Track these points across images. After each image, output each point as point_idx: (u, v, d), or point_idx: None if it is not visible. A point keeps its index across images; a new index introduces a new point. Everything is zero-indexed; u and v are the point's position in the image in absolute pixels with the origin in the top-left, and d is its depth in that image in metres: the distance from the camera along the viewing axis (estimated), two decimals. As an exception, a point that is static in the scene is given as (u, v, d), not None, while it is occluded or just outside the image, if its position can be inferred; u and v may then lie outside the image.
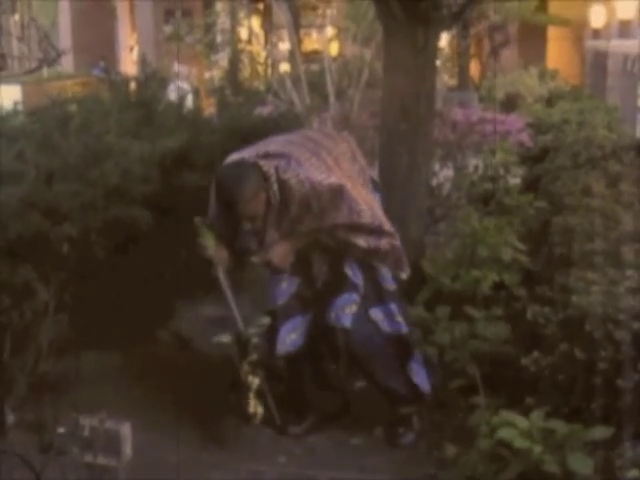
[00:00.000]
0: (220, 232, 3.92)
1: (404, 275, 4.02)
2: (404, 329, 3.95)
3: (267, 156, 3.79)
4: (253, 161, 3.77)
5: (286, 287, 3.95)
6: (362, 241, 3.84)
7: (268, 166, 3.74)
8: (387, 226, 3.91)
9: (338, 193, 3.76)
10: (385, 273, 3.99)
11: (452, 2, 5.21)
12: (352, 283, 3.90)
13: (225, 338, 3.84)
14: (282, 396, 4.04)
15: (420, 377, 3.96)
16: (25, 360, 3.75)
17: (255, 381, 3.79)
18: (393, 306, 3.96)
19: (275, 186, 3.73)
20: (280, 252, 3.90)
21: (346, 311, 3.86)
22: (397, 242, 3.94)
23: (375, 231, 3.86)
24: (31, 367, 3.75)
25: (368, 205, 3.87)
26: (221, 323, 4.56)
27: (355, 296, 3.89)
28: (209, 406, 4.07)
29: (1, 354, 3.74)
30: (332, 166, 3.84)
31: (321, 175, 3.74)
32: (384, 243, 3.89)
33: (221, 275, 3.89)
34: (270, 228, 3.84)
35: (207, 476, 3.63)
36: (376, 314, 3.93)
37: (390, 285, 3.99)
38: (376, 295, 3.95)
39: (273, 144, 3.94)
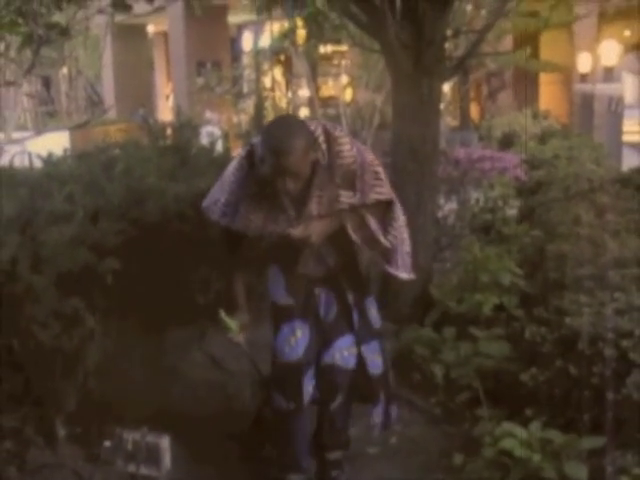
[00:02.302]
0: (232, 230, 3.39)
1: (406, 275, 3.57)
2: (380, 369, 3.53)
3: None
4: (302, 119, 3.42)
5: (301, 339, 3.44)
6: (383, 238, 3.42)
7: (316, 125, 3.28)
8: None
9: (382, 178, 3.39)
10: (374, 311, 3.58)
11: (453, 55, 5.24)
12: (354, 324, 3.50)
13: None
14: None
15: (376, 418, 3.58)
16: (74, 380, 3.75)
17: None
18: (375, 344, 3.54)
19: (324, 146, 3.23)
20: (320, 229, 3.36)
21: (351, 352, 3.46)
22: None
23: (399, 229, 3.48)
24: (79, 386, 3.75)
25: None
26: (249, 345, 4.57)
27: (354, 337, 3.49)
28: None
29: (53, 375, 3.74)
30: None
31: (370, 156, 3.38)
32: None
33: (242, 340, 3.54)
34: (313, 198, 3.28)
35: None
36: (365, 352, 3.51)
37: (376, 323, 3.58)
38: (367, 333, 3.52)
39: None
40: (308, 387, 3.43)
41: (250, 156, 3.30)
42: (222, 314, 3.51)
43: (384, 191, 3.38)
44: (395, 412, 3.61)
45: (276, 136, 3.15)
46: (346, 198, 3.30)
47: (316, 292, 3.47)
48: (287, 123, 3.31)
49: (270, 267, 3.57)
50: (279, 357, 3.45)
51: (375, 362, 3.50)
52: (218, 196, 3.40)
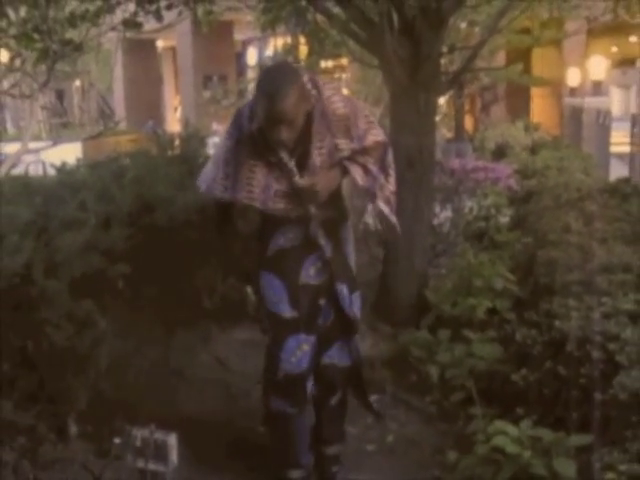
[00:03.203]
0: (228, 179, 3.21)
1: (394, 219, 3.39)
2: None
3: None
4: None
5: (306, 352, 3.31)
6: (386, 181, 3.30)
7: (307, 77, 3.16)
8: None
9: (373, 121, 3.31)
10: (357, 307, 3.44)
11: (449, 70, 5.25)
12: (349, 325, 3.40)
13: None
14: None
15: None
16: (85, 379, 3.75)
17: None
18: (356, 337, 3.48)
19: (314, 92, 3.11)
20: (325, 180, 3.20)
21: (346, 349, 3.42)
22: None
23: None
24: (90, 385, 3.75)
25: None
26: (252, 345, 4.58)
27: (348, 336, 3.42)
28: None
29: (65, 374, 3.75)
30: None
31: (358, 102, 3.30)
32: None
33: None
34: (314, 149, 3.15)
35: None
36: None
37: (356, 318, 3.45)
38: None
39: None
40: (309, 389, 3.39)
41: (237, 120, 3.21)
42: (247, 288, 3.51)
43: (378, 132, 3.30)
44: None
45: (270, 81, 3.04)
46: (346, 145, 3.20)
47: (320, 303, 3.34)
48: (281, 70, 3.23)
49: (265, 276, 3.36)
50: (283, 368, 3.30)
51: (344, 355, 3.44)
52: (214, 173, 3.29)
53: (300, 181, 3.13)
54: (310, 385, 3.39)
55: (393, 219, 3.40)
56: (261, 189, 3.17)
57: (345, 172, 3.27)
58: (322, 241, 3.27)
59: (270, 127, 3.03)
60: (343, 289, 3.33)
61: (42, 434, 3.59)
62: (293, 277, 3.29)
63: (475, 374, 3.98)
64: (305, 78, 3.13)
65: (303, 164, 3.16)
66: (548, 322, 3.80)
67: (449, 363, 4.10)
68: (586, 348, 3.44)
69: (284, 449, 3.47)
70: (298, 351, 3.29)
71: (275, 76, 3.08)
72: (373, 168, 3.29)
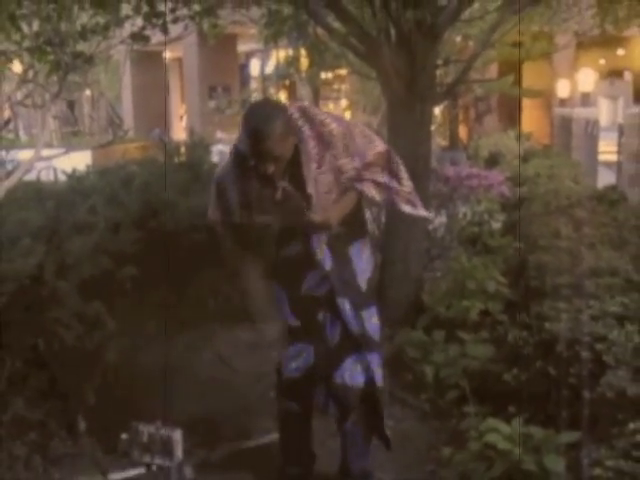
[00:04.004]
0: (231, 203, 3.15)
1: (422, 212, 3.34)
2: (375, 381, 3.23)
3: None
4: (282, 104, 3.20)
5: (304, 360, 3.26)
6: (400, 185, 3.20)
7: (291, 108, 3.11)
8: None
9: (370, 134, 3.22)
10: (373, 322, 3.26)
11: (443, 81, 5.26)
12: (359, 342, 3.21)
13: None
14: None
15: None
16: (94, 377, 3.76)
17: None
18: (374, 356, 3.24)
19: (301, 122, 3.06)
20: (339, 209, 3.12)
21: (358, 370, 3.20)
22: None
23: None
24: (99, 383, 3.75)
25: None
26: (254, 345, 4.58)
27: (360, 354, 3.22)
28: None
29: (75, 372, 3.75)
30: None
31: (349, 120, 3.23)
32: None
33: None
34: (310, 181, 3.06)
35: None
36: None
37: (374, 335, 3.25)
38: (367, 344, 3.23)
39: None
40: (317, 396, 3.31)
41: (233, 153, 3.17)
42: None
43: (377, 143, 3.20)
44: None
45: (253, 120, 2.99)
46: (349, 164, 3.11)
47: (320, 317, 3.21)
48: (264, 107, 3.13)
49: (273, 285, 3.34)
50: (284, 372, 3.32)
51: (380, 374, 3.23)
52: (215, 202, 3.24)
53: (314, 216, 3.04)
54: (322, 397, 3.32)
55: (421, 212, 3.34)
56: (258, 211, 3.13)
57: (360, 193, 3.18)
58: (319, 255, 3.15)
59: (258, 163, 3.01)
60: (345, 304, 3.17)
61: (52, 430, 3.60)
62: (295, 287, 3.22)
63: (468, 373, 3.97)
64: (292, 110, 3.09)
65: (304, 194, 3.06)
66: (539, 324, 3.80)
67: (443, 363, 4.10)
68: (575, 349, 3.44)
69: (287, 445, 3.46)
70: (298, 357, 3.26)
71: (258, 114, 3.01)
72: (383, 179, 3.19)
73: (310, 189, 3.07)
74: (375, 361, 3.23)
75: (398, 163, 3.25)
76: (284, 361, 3.31)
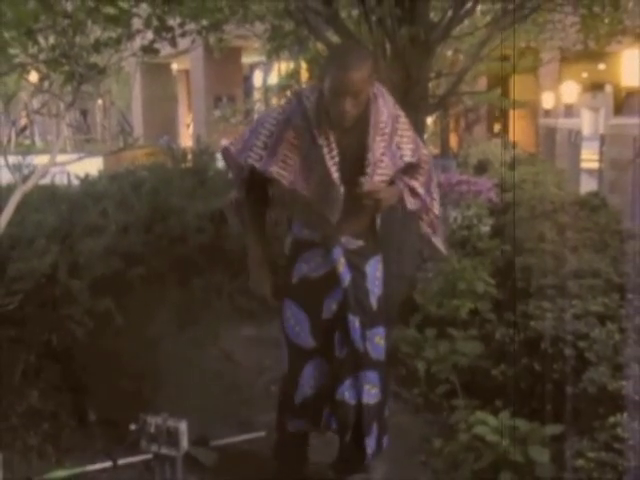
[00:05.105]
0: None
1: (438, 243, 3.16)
2: (375, 399, 3.06)
3: None
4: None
5: (318, 378, 3.04)
6: (431, 204, 3.04)
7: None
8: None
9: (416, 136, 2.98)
10: (379, 342, 3.07)
11: (436, 93, 5.25)
12: (362, 360, 3.01)
13: None
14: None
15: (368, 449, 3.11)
16: (104, 371, 3.74)
17: None
18: (372, 375, 3.05)
19: (380, 92, 2.83)
20: (388, 192, 2.86)
21: (358, 388, 3.02)
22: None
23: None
24: (109, 376, 3.74)
25: None
26: (257, 341, 4.58)
27: (360, 373, 3.03)
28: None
29: (86, 366, 3.74)
30: None
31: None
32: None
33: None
34: (372, 143, 2.77)
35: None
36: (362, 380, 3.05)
37: (378, 355, 3.07)
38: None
39: None
40: (327, 417, 3.07)
41: (295, 98, 2.88)
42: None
43: (425, 150, 3.00)
44: (386, 441, 3.21)
45: (343, 53, 2.78)
46: (408, 151, 2.87)
47: (335, 337, 2.99)
48: (353, 46, 3.07)
49: (290, 305, 3.04)
50: (301, 393, 3.06)
51: (371, 392, 3.04)
52: (251, 142, 2.87)
53: (364, 181, 2.71)
54: (328, 414, 3.07)
55: (438, 242, 3.15)
56: (294, 170, 2.81)
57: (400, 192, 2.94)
58: (341, 268, 2.92)
59: (335, 98, 2.66)
60: (355, 322, 2.95)
61: (64, 421, 3.59)
62: (317, 311, 2.99)
63: (458, 369, 3.97)
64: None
65: (361, 157, 2.76)
66: (524, 322, 3.79)
67: (435, 359, 4.09)
68: (559, 346, 3.44)
69: (285, 462, 3.23)
70: (315, 374, 3.04)
71: (348, 49, 2.87)
72: (421, 191, 3.00)
73: (369, 155, 2.76)
74: (372, 380, 3.04)
75: (435, 183, 3.06)
76: (301, 382, 3.05)
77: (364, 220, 2.99)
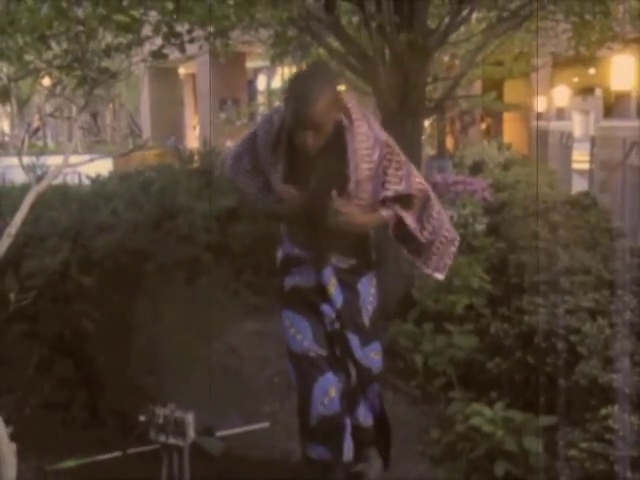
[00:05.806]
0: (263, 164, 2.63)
1: (440, 276, 2.96)
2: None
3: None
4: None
5: (337, 395, 2.77)
6: (420, 234, 2.76)
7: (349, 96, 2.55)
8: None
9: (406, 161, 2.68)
10: (374, 357, 2.90)
11: (433, 97, 5.24)
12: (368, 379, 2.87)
13: None
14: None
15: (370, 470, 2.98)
16: (114, 364, 3.75)
17: None
18: (373, 388, 2.94)
19: (360, 114, 2.54)
20: (362, 217, 2.61)
21: (367, 408, 2.93)
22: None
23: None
24: (119, 369, 3.75)
25: None
26: (261, 335, 4.57)
27: (367, 392, 2.90)
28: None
29: (97, 359, 3.74)
30: None
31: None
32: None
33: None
34: (352, 162, 2.51)
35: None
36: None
37: (375, 369, 2.91)
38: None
39: None
40: (348, 442, 2.80)
41: (266, 118, 2.70)
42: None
43: (419, 175, 2.72)
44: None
45: (305, 82, 2.47)
46: (394, 184, 2.61)
47: (337, 351, 2.81)
48: (314, 71, 2.59)
49: (286, 313, 2.84)
50: (316, 411, 2.74)
51: (367, 415, 2.93)
52: (235, 151, 2.77)
53: (334, 197, 2.50)
54: (348, 438, 2.79)
55: (425, 269, 2.93)
56: (257, 185, 2.72)
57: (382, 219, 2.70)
58: (332, 290, 2.74)
59: (295, 131, 2.47)
60: (355, 340, 2.80)
61: (75, 412, 3.59)
62: (314, 313, 2.78)
63: (455, 362, 3.96)
64: (349, 96, 2.60)
65: (341, 181, 2.53)
66: (518, 317, 3.78)
67: (432, 352, 4.08)
68: (551, 340, 3.43)
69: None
70: (330, 392, 2.73)
71: (309, 76, 2.52)
72: (409, 221, 2.73)
73: (350, 173, 2.52)
74: (373, 392, 2.95)
75: (430, 212, 2.75)
76: (314, 399, 2.74)
77: (353, 239, 2.77)
